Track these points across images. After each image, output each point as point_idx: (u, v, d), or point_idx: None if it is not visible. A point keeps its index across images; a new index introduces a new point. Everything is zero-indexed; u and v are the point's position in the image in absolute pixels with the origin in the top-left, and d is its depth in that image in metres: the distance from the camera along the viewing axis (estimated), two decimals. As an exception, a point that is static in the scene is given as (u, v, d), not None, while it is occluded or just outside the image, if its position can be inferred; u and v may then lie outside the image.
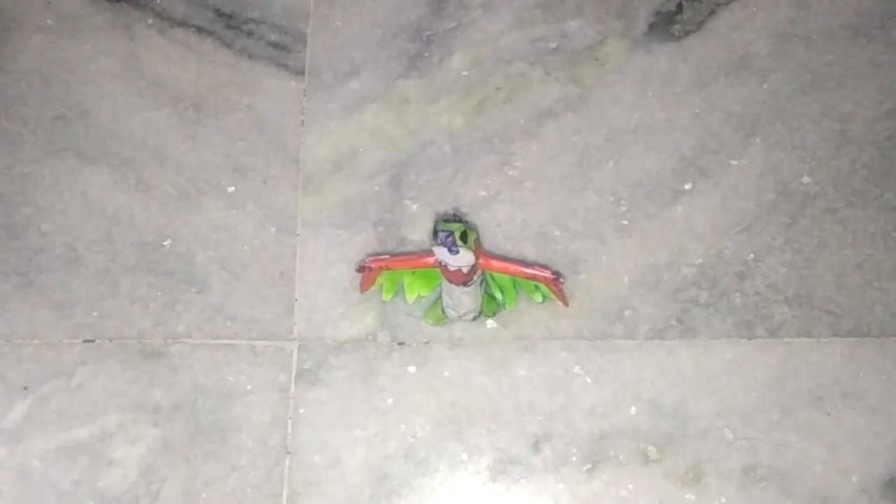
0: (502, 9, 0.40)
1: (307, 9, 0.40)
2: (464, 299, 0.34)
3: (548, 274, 0.34)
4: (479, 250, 0.33)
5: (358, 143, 0.38)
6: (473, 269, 0.33)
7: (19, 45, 0.39)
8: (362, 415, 0.34)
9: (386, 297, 0.35)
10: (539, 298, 0.35)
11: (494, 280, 0.35)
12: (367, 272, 0.34)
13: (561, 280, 0.34)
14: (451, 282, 0.33)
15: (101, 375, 0.34)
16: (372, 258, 0.34)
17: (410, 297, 0.35)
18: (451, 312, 0.35)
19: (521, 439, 0.33)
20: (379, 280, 0.35)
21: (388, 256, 0.34)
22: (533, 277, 0.34)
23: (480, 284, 0.34)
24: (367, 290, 0.35)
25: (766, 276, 0.36)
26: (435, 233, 0.32)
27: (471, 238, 0.32)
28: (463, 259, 0.32)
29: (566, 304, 0.35)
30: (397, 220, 0.36)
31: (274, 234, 0.36)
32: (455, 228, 0.32)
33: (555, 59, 0.39)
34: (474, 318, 0.35)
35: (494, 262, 0.34)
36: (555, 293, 0.35)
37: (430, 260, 0.33)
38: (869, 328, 0.35)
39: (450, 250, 0.32)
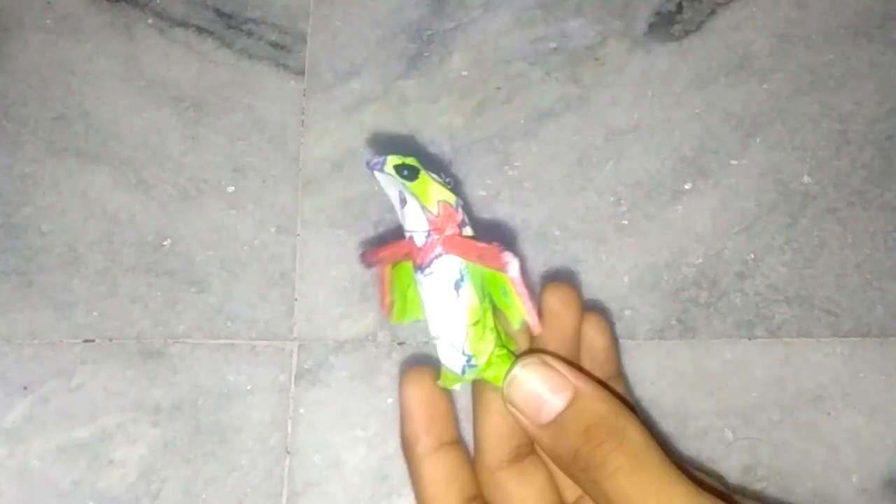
0: (502, 9, 0.40)
1: (307, 9, 0.40)
2: (435, 313, 0.25)
3: (498, 251, 0.23)
4: (449, 216, 0.25)
5: (358, 142, 0.38)
6: (431, 244, 0.25)
7: (19, 45, 0.39)
8: (362, 415, 0.34)
9: (397, 319, 0.28)
10: (515, 322, 0.25)
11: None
12: (375, 266, 0.28)
13: (505, 257, 0.23)
14: (414, 266, 0.25)
15: (101, 375, 0.34)
16: (370, 250, 0.28)
17: (397, 318, 0.28)
18: (445, 359, 0.27)
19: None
20: (394, 293, 0.28)
21: (375, 252, 0.27)
22: (481, 259, 0.24)
23: (457, 288, 0.25)
24: (387, 312, 0.28)
25: (766, 275, 0.36)
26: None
27: (429, 184, 0.24)
28: (412, 217, 0.24)
29: (537, 325, 0.25)
30: (397, 220, 0.36)
31: (274, 234, 0.36)
32: (408, 161, 0.23)
33: (555, 59, 0.39)
34: (471, 370, 0.26)
35: (457, 244, 0.24)
36: (519, 296, 0.24)
37: (405, 243, 0.26)
38: (869, 328, 0.35)
39: (376, 170, 0.23)
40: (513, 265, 0.24)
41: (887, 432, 0.34)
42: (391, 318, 0.29)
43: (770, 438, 0.34)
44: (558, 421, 0.25)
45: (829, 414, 0.34)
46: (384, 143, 0.38)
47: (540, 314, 0.27)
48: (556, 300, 0.27)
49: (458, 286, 0.25)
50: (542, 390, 0.25)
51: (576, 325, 0.28)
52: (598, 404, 0.25)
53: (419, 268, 0.25)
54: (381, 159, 0.24)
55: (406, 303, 0.28)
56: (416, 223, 0.24)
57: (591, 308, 0.30)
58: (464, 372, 0.26)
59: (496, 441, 0.28)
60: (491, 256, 0.24)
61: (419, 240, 0.24)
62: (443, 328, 0.26)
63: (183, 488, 0.33)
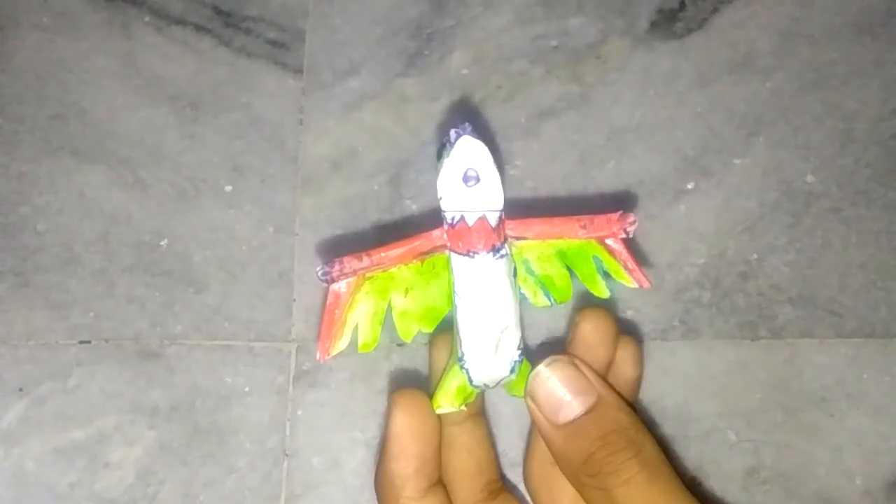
0: (503, 6, 0.40)
1: (306, 6, 0.40)
2: (495, 303, 0.23)
3: (617, 216, 0.24)
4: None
5: (357, 141, 0.37)
6: (503, 227, 0.24)
7: (16, 43, 0.39)
8: (361, 416, 0.34)
9: (365, 348, 0.26)
10: (604, 294, 0.25)
11: (534, 275, 0.25)
12: (336, 287, 0.24)
13: (629, 218, 0.24)
14: (469, 252, 0.23)
15: (97, 377, 0.34)
16: (347, 257, 0.24)
17: (407, 335, 0.26)
18: (477, 372, 0.24)
19: (520, 441, 0.33)
20: (349, 319, 0.25)
21: (366, 256, 0.24)
22: (588, 229, 0.24)
23: (514, 276, 0.25)
24: (330, 346, 0.25)
25: (770, 276, 0.35)
26: (442, 147, 0.23)
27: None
28: (488, 195, 0.23)
29: (646, 282, 0.26)
30: (397, 219, 0.36)
31: (272, 234, 0.36)
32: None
33: (556, 57, 0.39)
34: (519, 366, 0.25)
35: (535, 223, 0.24)
36: (622, 262, 0.25)
37: (435, 235, 0.24)
38: (873, 329, 0.35)
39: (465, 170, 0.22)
40: (634, 227, 0.24)
41: (891, 434, 0.34)
42: (359, 348, 0.25)
43: (773, 440, 0.34)
44: (576, 423, 0.25)
45: (832, 415, 0.34)
46: (382, 143, 0.38)
47: (572, 342, 0.27)
48: (593, 329, 0.26)
49: (515, 274, 0.25)
50: (565, 390, 0.25)
51: (610, 356, 0.28)
52: (620, 414, 0.25)
53: (493, 249, 0.23)
54: (468, 125, 0.23)
55: (378, 324, 0.25)
56: (491, 201, 0.23)
57: (627, 335, 0.29)
58: (513, 370, 0.25)
59: (466, 479, 0.27)
60: (603, 224, 0.24)
61: (493, 220, 0.23)
62: (505, 321, 0.24)
63: (180, 490, 0.33)
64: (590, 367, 0.26)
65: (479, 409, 0.29)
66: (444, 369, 0.26)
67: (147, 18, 0.39)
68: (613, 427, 0.24)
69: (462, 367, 0.25)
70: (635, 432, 0.24)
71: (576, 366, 0.26)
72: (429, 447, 0.26)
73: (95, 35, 0.39)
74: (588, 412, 0.25)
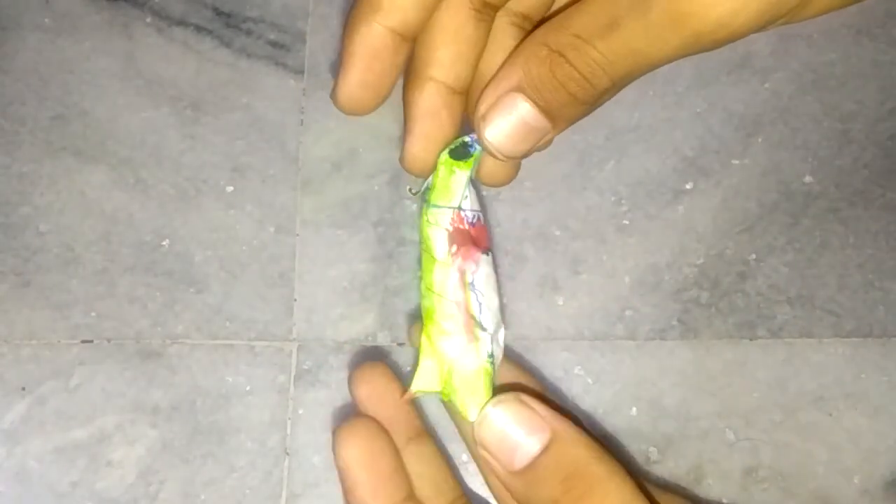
0: (502, 7, 0.40)
1: (306, 8, 0.40)
2: (491, 299, 0.24)
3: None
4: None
5: (358, 142, 0.38)
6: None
7: (17, 44, 0.39)
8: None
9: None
10: None
11: None
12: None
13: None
14: (486, 250, 0.25)
15: (99, 376, 0.34)
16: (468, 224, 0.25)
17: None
18: (497, 362, 0.25)
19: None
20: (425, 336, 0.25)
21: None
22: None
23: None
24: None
25: (768, 276, 0.36)
26: (465, 148, 0.24)
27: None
28: (477, 198, 0.25)
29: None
30: (397, 219, 0.36)
31: (273, 234, 0.36)
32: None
33: (555, 58, 0.39)
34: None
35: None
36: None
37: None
38: (871, 328, 0.35)
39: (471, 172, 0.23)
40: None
41: (889, 433, 0.34)
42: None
43: (772, 439, 0.34)
44: (534, 467, 0.23)
45: (830, 415, 0.34)
46: (383, 144, 0.38)
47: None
48: (366, 386, 0.27)
49: None
50: (517, 432, 0.23)
51: (393, 390, 0.27)
52: (578, 449, 0.23)
53: (485, 250, 0.24)
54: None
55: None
56: (479, 204, 0.24)
57: None
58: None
59: None
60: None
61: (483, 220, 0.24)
62: (499, 314, 0.25)
63: (181, 489, 0.33)
64: (539, 399, 0.24)
65: (418, 430, 0.28)
66: (464, 379, 0.25)
67: (148, 19, 0.39)
68: (573, 468, 0.23)
69: (492, 363, 0.25)
70: (597, 466, 0.23)
71: (523, 402, 0.24)
72: (383, 468, 0.25)
73: (97, 36, 0.39)
74: (544, 452, 0.23)
